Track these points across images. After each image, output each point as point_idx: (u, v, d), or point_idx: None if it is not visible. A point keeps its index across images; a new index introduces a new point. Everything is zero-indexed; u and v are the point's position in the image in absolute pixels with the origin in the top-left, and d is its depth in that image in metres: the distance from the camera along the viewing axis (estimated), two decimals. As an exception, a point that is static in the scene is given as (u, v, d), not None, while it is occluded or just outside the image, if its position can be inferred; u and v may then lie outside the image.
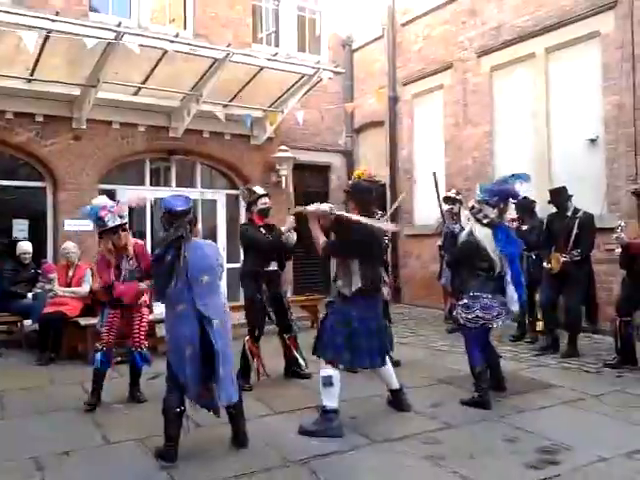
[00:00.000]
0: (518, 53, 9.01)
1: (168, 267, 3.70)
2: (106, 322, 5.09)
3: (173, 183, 10.38)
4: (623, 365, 5.85)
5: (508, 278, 4.85)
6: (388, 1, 11.44)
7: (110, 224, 4.92)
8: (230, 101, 9.84)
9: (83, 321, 6.88)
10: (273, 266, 5.71)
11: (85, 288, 7.36)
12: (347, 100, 11.84)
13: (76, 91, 8.75)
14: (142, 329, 5.22)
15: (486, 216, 4.89)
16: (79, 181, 9.10)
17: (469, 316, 4.85)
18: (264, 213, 5.81)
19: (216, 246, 4.26)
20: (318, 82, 9.97)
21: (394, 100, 11.34)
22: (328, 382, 4.30)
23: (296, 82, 9.90)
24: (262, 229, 5.73)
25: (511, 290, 4.85)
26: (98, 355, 5.00)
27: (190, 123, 9.69)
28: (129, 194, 5.78)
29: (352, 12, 12.40)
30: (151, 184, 10.27)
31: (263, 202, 5.78)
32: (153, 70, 8.60)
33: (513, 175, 5.07)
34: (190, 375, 3.74)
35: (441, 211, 6.66)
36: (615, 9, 7.69)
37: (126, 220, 5.09)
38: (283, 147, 10.61)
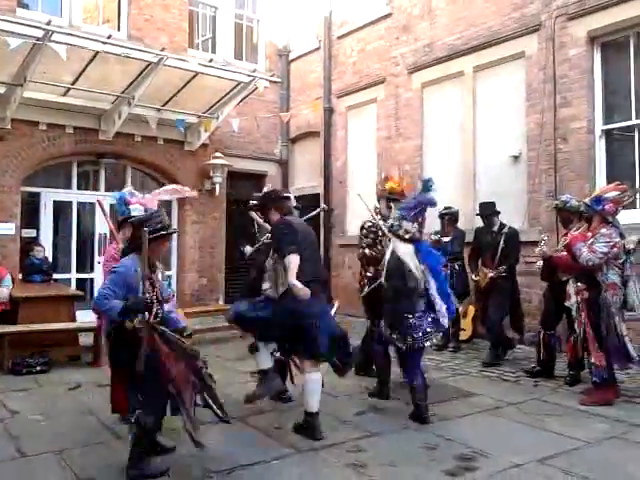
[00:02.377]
0: (448, 70, 9.29)
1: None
2: None
3: (102, 187, 10.13)
4: (541, 375, 6.08)
5: (434, 292, 4.80)
6: (325, 13, 11.58)
7: (134, 214, 4.53)
8: (164, 105, 9.71)
9: (0, 328, 6.59)
10: None
11: (4, 292, 7.06)
12: (283, 109, 11.89)
13: (0, 89, 8.41)
14: None
15: (407, 231, 4.84)
16: (1, 182, 8.75)
17: (414, 335, 4.75)
18: None
19: None
20: (254, 90, 9.99)
21: (329, 111, 11.47)
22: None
23: (232, 89, 9.88)
24: None
25: (439, 304, 4.80)
26: None
27: (121, 126, 9.49)
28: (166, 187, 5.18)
29: (290, 22, 12.48)
30: (78, 188, 9.97)
31: None
32: (84, 71, 8.39)
33: (423, 189, 5.14)
34: None
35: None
36: (539, 32, 8.06)
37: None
38: (218, 154, 10.55)
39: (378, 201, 5.88)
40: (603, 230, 5.16)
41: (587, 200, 5.45)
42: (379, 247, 5.54)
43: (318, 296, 4.49)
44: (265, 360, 4.67)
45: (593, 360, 5.21)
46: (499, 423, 4.79)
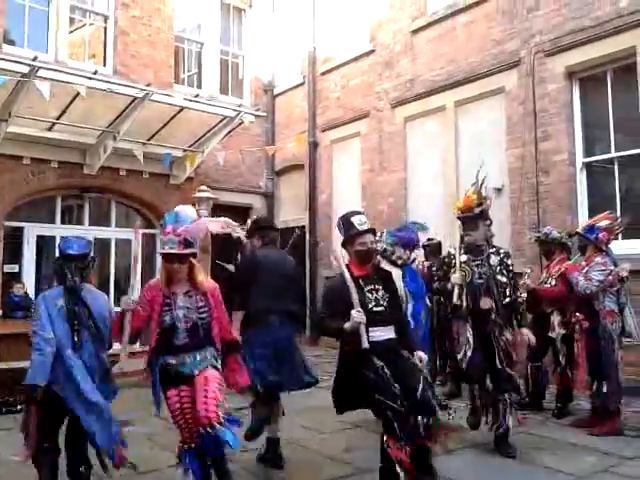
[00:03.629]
0: (429, 105, 9.45)
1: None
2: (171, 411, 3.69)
3: (86, 221, 10.08)
4: (529, 407, 6.02)
5: (408, 314, 4.96)
6: (309, 49, 11.79)
7: (164, 249, 3.70)
8: (149, 139, 9.74)
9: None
10: None
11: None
12: (268, 143, 11.99)
13: (-16, 125, 8.41)
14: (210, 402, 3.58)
15: (399, 257, 5.07)
16: (-16, 217, 8.68)
17: None
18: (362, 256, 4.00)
19: (104, 296, 4.04)
20: (239, 124, 10.07)
21: (314, 145, 11.60)
22: None
23: (217, 123, 9.95)
24: None
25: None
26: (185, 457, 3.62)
27: (106, 160, 9.50)
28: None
29: (274, 58, 12.68)
30: (62, 222, 9.91)
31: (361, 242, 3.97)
32: (69, 106, 8.41)
33: (415, 223, 5.31)
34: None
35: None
36: (518, 67, 8.25)
37: (194, 250, 3.75)
38: (203, 187, 10.53)
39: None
40: (598, 259, 5.26)
41: (580, 229, 5.57)
42: None
43: (280, 325, 4.56)
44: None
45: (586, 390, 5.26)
46: (487, 458, 4.74)
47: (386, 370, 3.62)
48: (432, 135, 9.45)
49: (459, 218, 5.05)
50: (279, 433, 4.64)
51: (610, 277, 5.20)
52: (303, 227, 11.42)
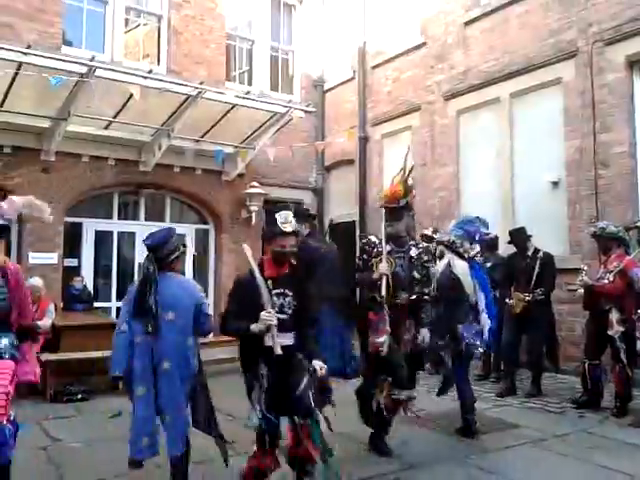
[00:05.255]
0: (484, 97, 9.27)
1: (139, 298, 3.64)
2: None
3: (142, 217, 10.36)
4: (587, 406, 5.90)
5: (482, 306, 5.00)
6: (359, 44, 11.74)
7: None
8: (202, 137, 9.91)
9: (43, 357, 6.71)
10: None
11: (47, 322, 7.20)
12: (318, 138, 12.00)
13: (45, 123, 8.72)
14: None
15: (466, 250, 5.09)
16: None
17: (459, 348, 4.96)
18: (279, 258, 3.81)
19: (193, 285, 3.98)
20: (289, 120, 10.13)
21: (364, 140, 11.53)
22: None
23: (268, 120, 10.03)
24: None
25: (484, 318, 5.01)
26: None
27: (161, 158, 9.71)
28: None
29: (324, 53, 12.68)
30: (119, 217, 10.22)
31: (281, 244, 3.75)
32: (125, 105, 8.63)
33: (478, 217, 5.27)
34: (139, 417, 3.59)
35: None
36: (576, 58, 8.00)
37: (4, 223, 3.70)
38: (254, 183, 10.69)
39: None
40: None
41: (639, 223, 5.39)
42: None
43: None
44: None
45: None
46: (543, 456, 4.65)
47: (264, 380, 3.59)
48: (486, 128, 9.26)
49: (383, 207, 4.90)
50: None
51: None
52: (353, 222, 11.41)
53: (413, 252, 4.76)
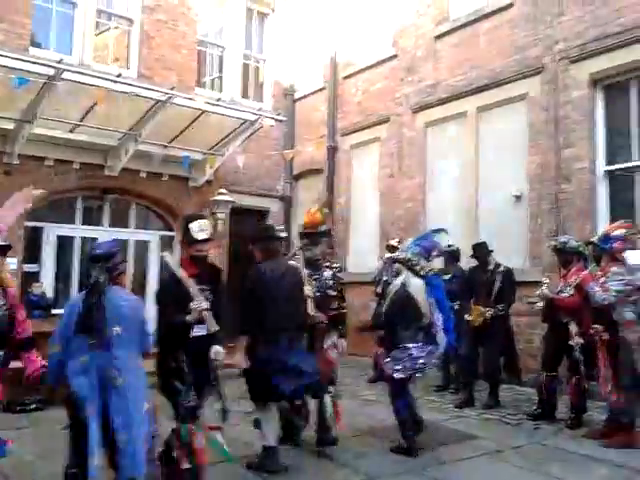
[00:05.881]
0: (451, 111, 9.39)
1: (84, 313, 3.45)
2: None
3: (106, 223, 10.20)
4: (542, 418, 5.97)
5: (439, 324, 4.99)
6: (331, 54, 11.80)
7: None
8: (170, 142, 9.83)
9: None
10: None
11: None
12: (287, 147, 12.01)
13: (9, 125, 8.56)
14: None
15: (423, 268, 5.07)
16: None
17: (397, 367, 4.90)
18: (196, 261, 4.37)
19: (137, 300, 3.87)
20: (259, 128, 10.12)
21: (333, 149, 11.59)
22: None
23: (238, 127, 10.01)
24: None
25: (441, 337, 5.00)
26: None
27: (127, 162, 9.60)
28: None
29: (296, 63, 12.72)
30: (83, 223, 10.03)
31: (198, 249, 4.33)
32: (92, 108, 8.52)
33: (434, 230, 5.31)
34: (92, 437, 3.34)
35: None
36: (542, 74, 8.15)
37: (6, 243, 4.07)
38: (222, 190, 10.63)
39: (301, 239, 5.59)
40: (614, 269, 5.20)
41: (595, 239, 5.50)
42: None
43: (290, 344, 4.50)
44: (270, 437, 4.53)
45: (611, 401, 5.16)
46: (499, 467, 4.69)
47: (184, 365, 3.99)
48: (453, 141, 9.38)
49: (302, 233, 5.40)
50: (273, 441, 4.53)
51: (629, 287, 5.10)
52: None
53: (327, 274, 5.23)
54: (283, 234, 5.13)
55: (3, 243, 4.04)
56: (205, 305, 4.03)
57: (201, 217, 4.44)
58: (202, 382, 4.09)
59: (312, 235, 5.32)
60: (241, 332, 4.51)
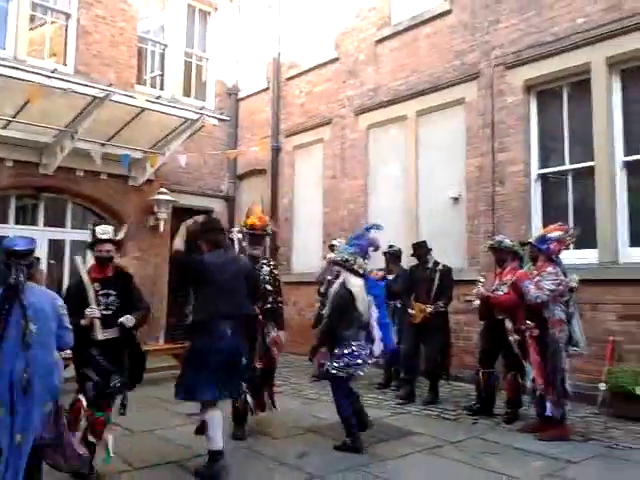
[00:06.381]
0: (392, 114, 9.54)
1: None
2: None
3: (41, 222, 9.83)
4: (480, 413, 6.15)
5: (373, 322, 5.09)
6: (274, 55, 11.80)
7: None
8: (109, 140, 9.59)
9: None
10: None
11: None
12: (231, 147, 11.94)
13: (-64, 121, 8.18)
14: None
15: (361, 266, 5.15)
16: None
17: (339, 365, 4.96)
18: (101, 262, 4.61)
19: (53, 295, 3.75)
20: (201, 127, 10.01)
21: (277, 150, 11.59)
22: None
23: (179, 126, 9.86)
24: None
25: (376, 333, 5.10)
26: None
27: (63, 160, 9.29)
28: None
29: (239, 62, 12.65)
30: (16, 222, 9.64)
31: (99, 249, 4.59)
32: (26, 104, 8.22)
33: (367, 228, 5.43)
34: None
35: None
36: (478, 79, 8.38)
37: None
38: (163, 189, 10.46)
39: (244, 237, 5.86)
40: (549, 269, 5.39)
41: (532, 240, 5.69)
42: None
43: (233, 332, 4.49)
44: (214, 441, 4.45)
45: (544, 394, 5.31)
46: (439, 462, 4.80)
47: (99, 357, 4.31)
48: (394, 143, 9.53)
49: (248, 234, 5.71)
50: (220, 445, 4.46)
51: (561, 287, 5.32)
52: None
53: (265, 270, 5.66)
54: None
55: None
56: (97, 314, 4.29)
57: (106, 224, 4.89)
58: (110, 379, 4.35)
59: (257, 236, 5.70)
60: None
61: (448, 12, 8.86)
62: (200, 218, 4.90)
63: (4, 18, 9.66)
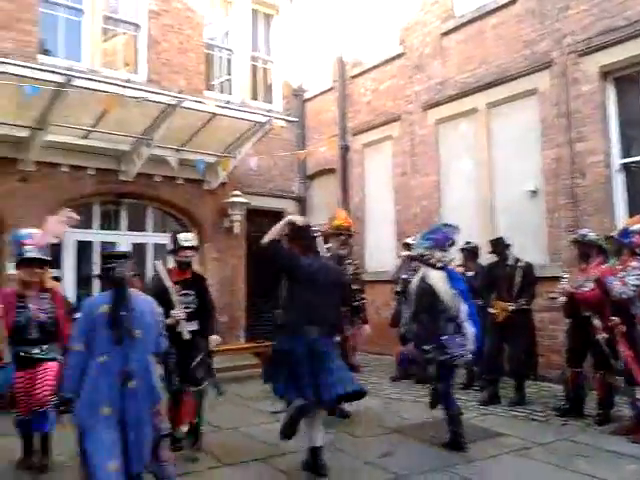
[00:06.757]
0: (461, 107, 9.38)
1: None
2: (15, 387, 4.50)
3: (123, 227, 10.23)
4: (570, 414, 5.96)
5: (463, 316, 4.99)
6: (338, 54, 11.82)
7: (27, 255, 4.63)
8: (182, 146, 9.87)
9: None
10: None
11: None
12: (299, 147, 12.03)
13: (23, 133, 8.59)
14: (47, 384, 4.46)
15: (439, 260, 5.08)
16: (25, 223, 8.82)
17: (442, 358, 4.94)
18: (182, 266, 5.29)
19: (152, 302, 3.91)
20: (270, 130, 10.13)
21: (345, 149, 11.60)
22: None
23: (249, 129, 10.03)
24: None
25: (467, 327, 4.99)
26: (17, 425, 4.62)
27: (141, 167, 9.62)
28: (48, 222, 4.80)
29: (304, 63, 12.73)
30: (101, 228, 10.07)
31: (183, 255, 5.27)
32: (104, 114, 8.56)
33: (444, 224, 5.35)
34: (105, 440, 3.38)
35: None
36: (550, 68, 8.13)
37: (47, 257, 4.80)
38: (236, 192, 10.67)
39: (327, 241, 6.01)
40: (634, 263, 5.21)
41: (615, 233, 5.49)
42: None
43: (323, 337, 4.50)
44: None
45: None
46: (528, 464, 4.70)
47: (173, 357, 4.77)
48: (465, 137, 9.38)
49: (335, 235, 6.31)
50: (320, 441, 4.55)
51: None
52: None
53: (349, 269, 6.24)
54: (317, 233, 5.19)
55: (46, 257, 4.76)
56: (182, 315, 4.92)
57: (187, 232, 5.62)
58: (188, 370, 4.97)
59: (346, 236, 6.34)
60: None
61: (513, 1, 8.64)
62: (298, 219, 4.93)
63: (79, 32, 10.07)
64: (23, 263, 4.66)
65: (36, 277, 4.70)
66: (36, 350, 4.57)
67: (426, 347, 5.01)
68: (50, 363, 4.54)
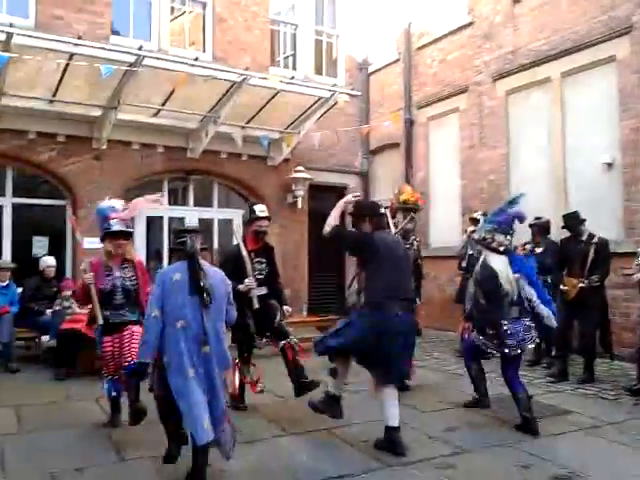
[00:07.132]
0: (533, 77, 9.04)
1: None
2: (103, 352, 4.84)
3: (191, 202, 10.53)
4: (642, 393, 5.74)
5: (535, 299, 4.86)
6: (404, 25, 11.58)
7: (113, 228, 4.87)
8: (247, 123, 9.98)
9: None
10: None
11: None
12: (363, 122, 11.93)
13: (97, 112, 8.91)
14: (133, 348, 4.60)
15: (500, 244, 4.91)
16: (98, 199, 9.18)
17: (508, 342, 4.82)
18: (258, 235, 5.61)
19: (222, 274, 4.03)
20: (334, 104, 10.09)
21: (410, 123, 11.42)
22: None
23: (313, 104, 10.02)
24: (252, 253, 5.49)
25: (542, 309, 4.85)
26: (107, 384, 4.89)
27: (208, 144, 9.82)
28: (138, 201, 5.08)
29: (369, 36, 12.54)
30: (169, 203, 10.40)
31: (259, 224, 5.58)
32: (172, 92, 8.75)
33: (510, 202, 5.09)
34: (197, 399, 3.57)
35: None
36: (630, 34, 7.70)
37: (131, 229, 5.17)
38: (299, 168, 10.72)
39: (394, 215, 6.18)
40: None
41: None
42: None
43: (403, 313, 4.41)
44: (338, 387, 4.80)
45: None
46: (597, 443, 4.56)
47: (249, 313, 5.21)
48: (536, 108, 9.03)
49: (402, 209, 6.30)
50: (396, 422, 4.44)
51: None
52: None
53: (415, 244, 6.37)
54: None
55: (130, 230, 5.11)
56: (254, 285, 5.24)
57: (261, 204, 5.88)
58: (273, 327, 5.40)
59: (414, 211, 6.35)
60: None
61: (592, -37, 8.19)
62: (351, 199, 4.81)
63: (148, 11, 10.28)
64: (109, 236, 4.89)
65: (121, 249, 4.94)
66: (122, 311, 4.88)
67: (483, 339, 4.92)
68: (135, 327, 4.75)
